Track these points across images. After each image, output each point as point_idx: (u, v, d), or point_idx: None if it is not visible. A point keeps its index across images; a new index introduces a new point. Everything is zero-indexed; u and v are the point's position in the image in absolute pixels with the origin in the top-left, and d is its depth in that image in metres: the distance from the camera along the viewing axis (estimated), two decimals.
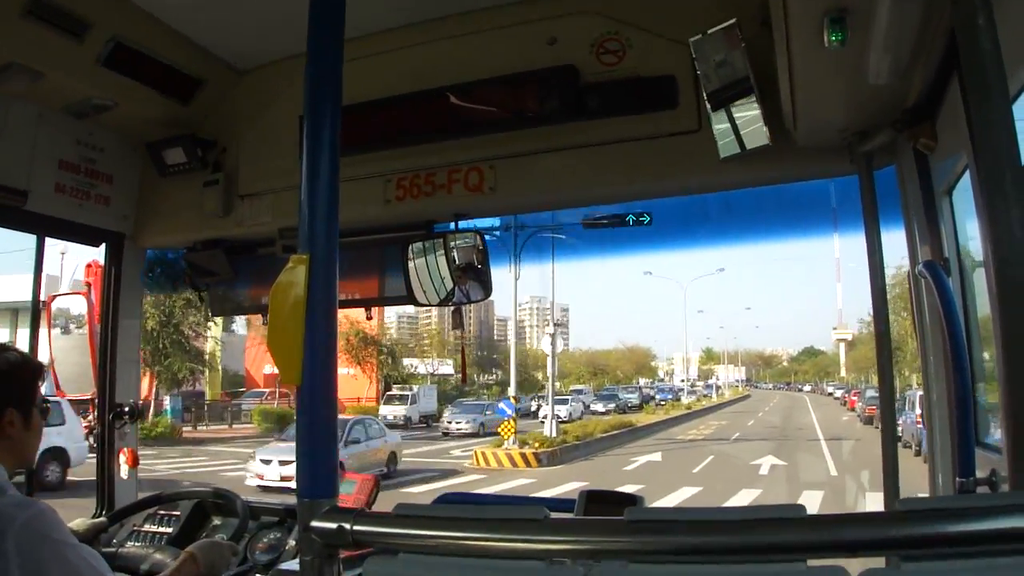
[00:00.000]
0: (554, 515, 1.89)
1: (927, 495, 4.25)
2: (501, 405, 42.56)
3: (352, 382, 68.51)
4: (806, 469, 34.16)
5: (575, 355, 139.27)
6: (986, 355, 3.95)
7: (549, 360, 48.81)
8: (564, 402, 66.45)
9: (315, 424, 2.22)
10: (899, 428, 34.91)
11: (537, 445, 38.13)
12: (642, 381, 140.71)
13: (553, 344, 46.77)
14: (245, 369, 76.13)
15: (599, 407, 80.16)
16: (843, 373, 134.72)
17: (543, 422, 49.61)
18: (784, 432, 54.82)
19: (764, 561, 1.69)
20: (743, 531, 1.67)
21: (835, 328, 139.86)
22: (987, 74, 1.90)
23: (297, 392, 2.21)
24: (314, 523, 2.03)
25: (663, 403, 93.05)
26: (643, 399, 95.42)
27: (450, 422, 55.74)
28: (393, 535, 1.99)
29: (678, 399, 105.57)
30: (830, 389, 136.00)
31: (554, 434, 41.88)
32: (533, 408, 68.61)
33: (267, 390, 66.99)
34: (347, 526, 1.98)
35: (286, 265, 2.23)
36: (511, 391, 44.17)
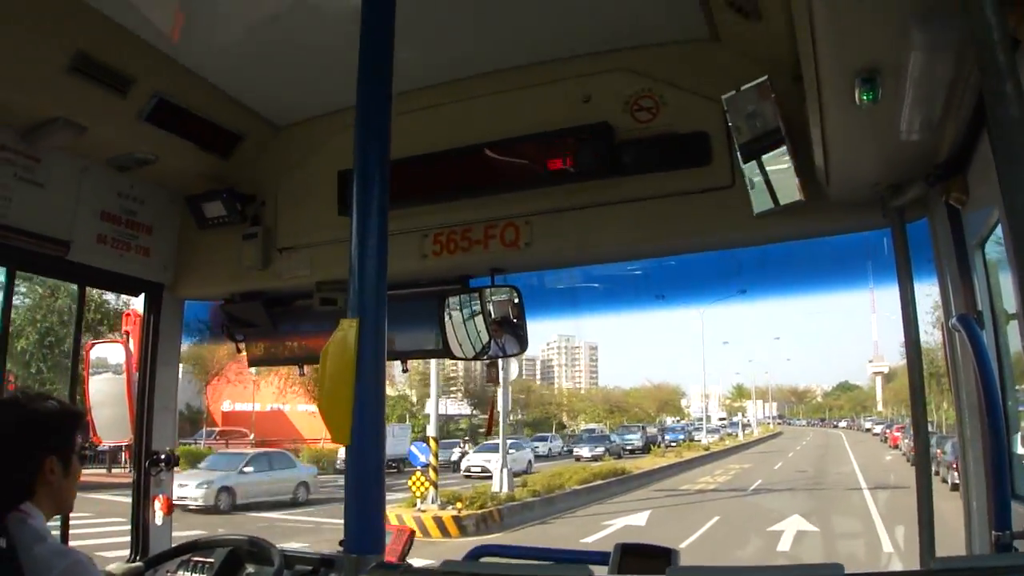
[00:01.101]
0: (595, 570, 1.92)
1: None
2: (413, 449, 31.36)
3: (311, 420, 64.82)
4: (847, 538, 24.91)
5: (592, 392, 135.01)
6: (1022, 408, 3.94)
7: (500, 393, 36.94)
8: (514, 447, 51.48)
9: (363, 481, 2.27)
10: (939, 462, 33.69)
11: (461, 505, 28.94)
12: (668, 420, 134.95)
13: (505, 370, 35.20)
14: (205, 406, 70.53)
15: (584, 451, 70.63)
16: (880, 408, 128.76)
17: (468, 475, 47.46)
18: (817, 478, 46.08)
19: None
20: None
21: (871, 361, 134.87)
22: (1016, 135, 1.91)
23: (347, 451, 2.26)
24: None
25: (673, 444, 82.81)
26: (648, 440, 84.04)
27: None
28: None
29: (692, 439, 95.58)
30: (868, 424, 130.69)
31: (505, 489, 33.44)
32: (454, 457, 56.52)
33: (217, 429, 65.31)
34: None
35: (336, 327, 2.29)
36: (430, 430, 32.96)
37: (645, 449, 76.81)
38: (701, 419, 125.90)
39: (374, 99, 2.49)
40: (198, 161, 5.25)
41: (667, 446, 79.85)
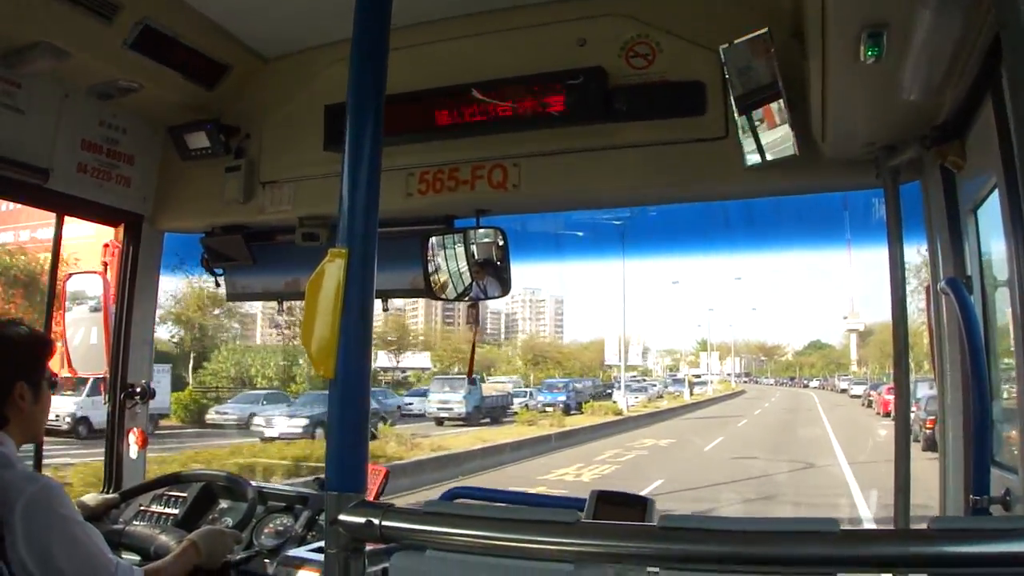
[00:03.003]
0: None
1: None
2: None
3: None
4: None
5: (536, 346, 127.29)
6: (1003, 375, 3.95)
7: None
8: None
9: (347, 418, 2.24)
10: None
11: None
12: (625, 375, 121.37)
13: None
14: None
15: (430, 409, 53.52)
16: (855, 367, 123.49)
17: None
18: (767, 478, 27.81)
19: (794, 574, 1.70)
20: (774, 543, 1.68)
21: (845, 317, 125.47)
22: None
23: (331, 385, 2.23)
24: (342, 516, 2.05)
25: (550, 408, 59.02)
26: (569, 400, 63.49)
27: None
28: (422, 532, 2.00)
29: (610, 398, 72.14)
30: (843, 384, 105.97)
31: None
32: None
33: None
34: (376, 521, 2.00)
35: (322, 257, 2.27)
36: None
37: (570, 411, 58.94)
38: (672, 374, 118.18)
39: (371, 29, 2.43)
40: (183, 91, 5.15)
41: (543, 409, 58.36)
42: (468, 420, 51.98)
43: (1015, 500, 3.25)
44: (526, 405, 59.74)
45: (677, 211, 5.66)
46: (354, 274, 2.20)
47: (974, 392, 3.39)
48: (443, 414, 53.44)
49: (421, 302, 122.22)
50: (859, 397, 77.43)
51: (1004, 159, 2.91)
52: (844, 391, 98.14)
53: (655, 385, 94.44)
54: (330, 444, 2.22)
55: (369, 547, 2.19)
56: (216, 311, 58.58)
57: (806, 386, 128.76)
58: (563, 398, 64.65)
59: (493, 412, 56.50)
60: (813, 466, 30.06)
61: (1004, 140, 2.88)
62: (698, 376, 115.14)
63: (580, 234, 6.75)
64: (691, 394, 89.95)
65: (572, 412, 59.23)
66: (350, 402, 2.24)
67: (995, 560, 1.54)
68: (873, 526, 20.55)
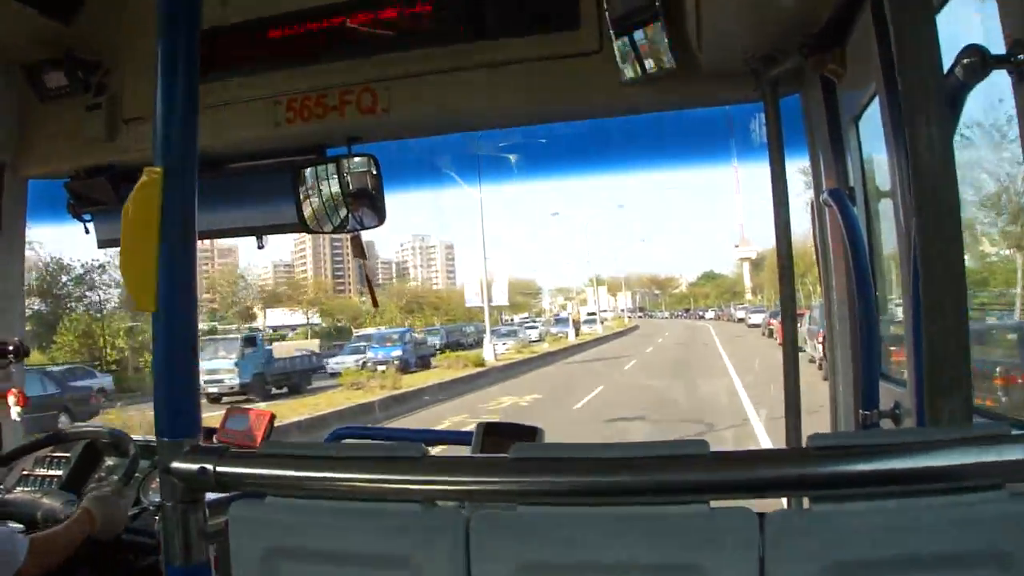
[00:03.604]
0: (445, 451, 1.78)
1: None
2: None
3: None
4: None
5: (409, 290, 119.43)
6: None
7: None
8: None
9: (174, 356, 2.09)
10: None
11: None
12: (516, 318, 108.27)
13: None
14: None
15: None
16: (749, 296, 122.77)
17: None
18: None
19: (664, 503, 1.60)
20: (640, 470, 1.57)
21: (737, 246, 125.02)
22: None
23: (153, 321, 2.08)
24: (174, 465, 1.90)
25: (381, 367, 44.62)
26: (405, 355, 52.50)
27: None
28: (261, 477, 1.88)
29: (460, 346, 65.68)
30: (740, 313, 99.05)
31: None
32: None
33: None
34: (210, 467, 1.86)
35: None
36: None
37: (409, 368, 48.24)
38: (562, 315, 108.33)
39: None
40: (36, 26, 4.82)
41: (372, 366, 47.11)
42: (248, 391, 39.21)
43: (904, 413, 3.26)
44: (363, 363, 49.06)
45: (561, 133, 5.61)
46: (173, 198, 2.03)
47: (860, 305, 3.40)
48: (212, 388, 38.28)
49: (308, 255, 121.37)
50: (758, 327, 69.29)
51: (883, 67, 2.88)
52: (741, 320, 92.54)
53: (535, 327, 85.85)
54: (158, 387, 2.07)
55: (212, 496, 2.06)
56: (64, 278, 55.51)
57: (701, 317, 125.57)
58: (398, 352, 52.25)
59: (288, 379, 43.17)
60: (714, 428, 21.89)
61: (883, 47, 2.84)
62: (591, 314, 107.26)
63: (454, 177, 6.69)
64: (577, 334, 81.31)
65: (413, 369, 48.39)
66: (175, 339, 2.09)
67: (870, 479, 1.47)
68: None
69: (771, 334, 53.63)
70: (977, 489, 1.45)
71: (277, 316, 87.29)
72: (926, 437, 1.54)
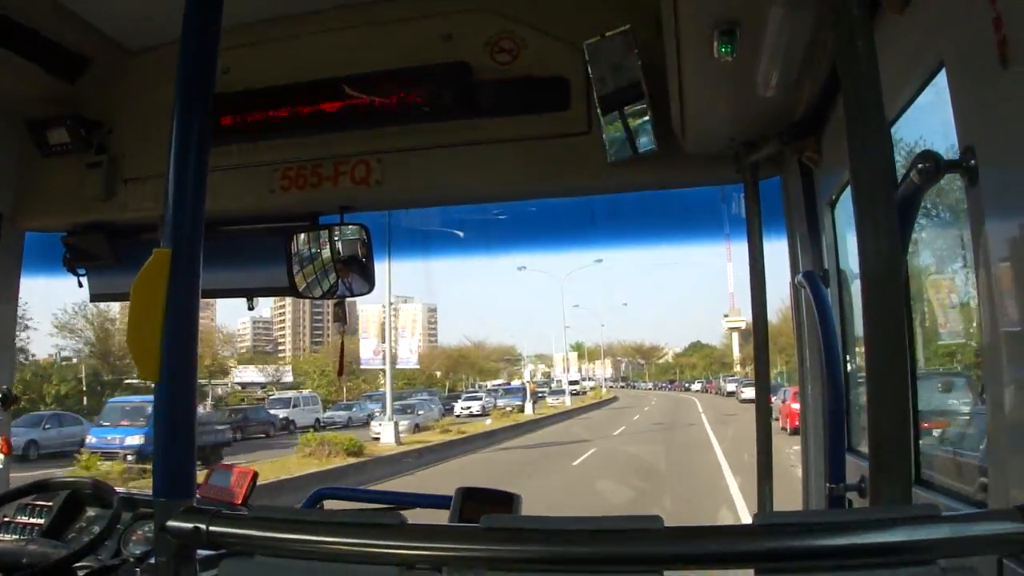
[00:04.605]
0: (419, 520, 1.87)
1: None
2: None
3: None
4: None
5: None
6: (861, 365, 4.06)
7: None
8: None
9: (173, 422, 2.17)
10: None
11: None
12: (489, 383, 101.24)
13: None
14: None
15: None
16: (737, 367, 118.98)
17: None
18: None
19: (620, 572, 1.69)
20: (599, 542, 1.67)
21: (726, 315, 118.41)
22: (865, 96, 1.94)
23: (155, 390, 2.16)
24: (170, 523, 1.99)
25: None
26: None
27: None
28: (248, 537, 1.95)
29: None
30: (731, 386, 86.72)
31: None
32: None
33: None
34: (203, 527, 1.93)
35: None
36: None
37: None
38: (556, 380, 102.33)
39: (200, 21, 2.44)
40: (43, 84, 4.95)
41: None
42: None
43: (870, 487, 3.33)
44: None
45: (552, 206, 5.69)
46: (178, 276, 2.14)
47: (828, 382, 3.48)
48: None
49: (288, 314, 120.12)
50: (752, 402, 43.64)
51: (851, 149, 3.01)
52: (732, 394, 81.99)
53: (477, 397, 72.57)
54: (157, 449, 2.16)
55: (204, 553, 2.14)
56: None
57: (687, 389, 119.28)
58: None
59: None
60: None
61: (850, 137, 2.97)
62: (573, 382, 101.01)
63: (461, 234, 6.76)
64: (534, 408, 68.16)
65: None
66: (176, 406, 2.18)
67: (817, 553, 1.56)
68: None
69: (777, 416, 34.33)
70: (910, 564, 1.55)
71: (249, 373, 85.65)
72: (864, 516, 1.65)
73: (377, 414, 50.38)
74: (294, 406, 58.05)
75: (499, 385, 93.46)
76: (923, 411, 3.48)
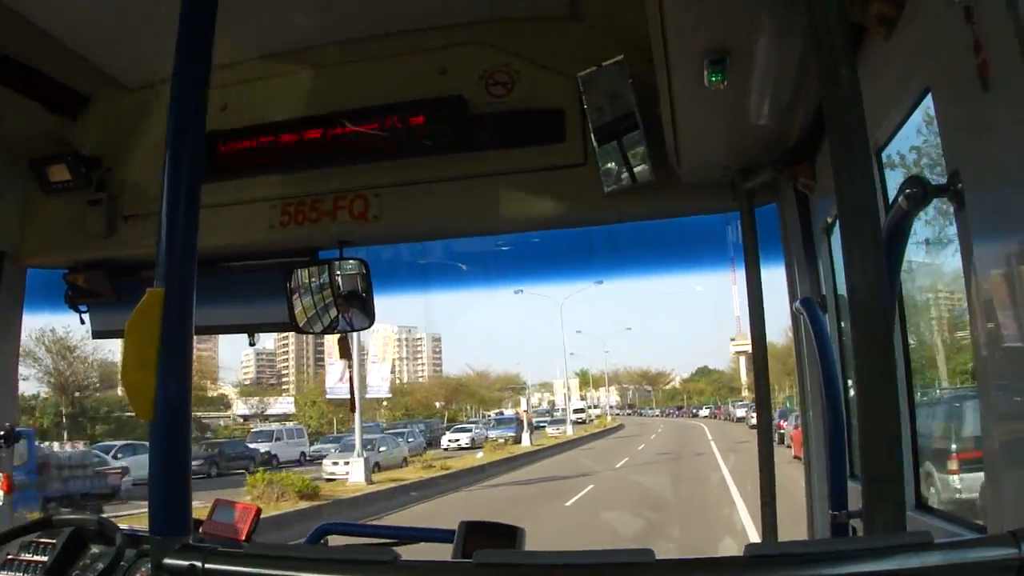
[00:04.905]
0: (422, 555, 1.86)
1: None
2: None
3: None
4: None
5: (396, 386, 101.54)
6: None
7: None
8: None
9: (168, 460, 2.17)
10: None
11: None
12: (491, 413, 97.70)
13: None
14: None
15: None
16: (745, 392, 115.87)
17: None
18: None
19: None
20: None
21: (733, 339, 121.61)
22: (850, 123, 1.94)
23: (151, 428, 2.15)
24: (166, 561, 1.98)
25: None
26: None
27: None
28: (245, 574, 1.95)
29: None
30: (740, 412, 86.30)
31: None
32: None
33: None
34: (198, 564, 1.93)
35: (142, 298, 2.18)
36: None
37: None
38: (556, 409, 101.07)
39: (190, 62, 2.44)
40: (43, 122, 5.01)
41: None
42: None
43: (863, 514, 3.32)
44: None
45: (549, 238, 5.70)
46: (172, 314, 2.14)
47: (828, 408, 3.47)
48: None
49: (292, 345, 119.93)
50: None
51: (836, 174, 3.02)
52: (741, 420, 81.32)
53: (466, 429, 68.15)
54: (152, 487, 2.15)
55: None
56: None
57: (695, 415, 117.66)
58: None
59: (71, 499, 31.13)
60: None
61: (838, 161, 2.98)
62: (578, 410, 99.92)
63: (464, 266, 6.76)
64: (531, 439, 62.85)
65: None
66: (170, 444, 2.18)
67: None
68: None
69: (781, 439, 38.15)
70: None
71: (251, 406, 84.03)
72: (856, 545, 1.65)
73: (333, 451, 46.21)
74: (277, 439, 56.05)
75: (499, 415, 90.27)
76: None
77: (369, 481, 35.29)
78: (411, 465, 44.48)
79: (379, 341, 76.21)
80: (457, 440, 62.04)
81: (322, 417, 76.62)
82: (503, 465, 43.82)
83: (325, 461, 42.10)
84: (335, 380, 63.44)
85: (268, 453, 51.24)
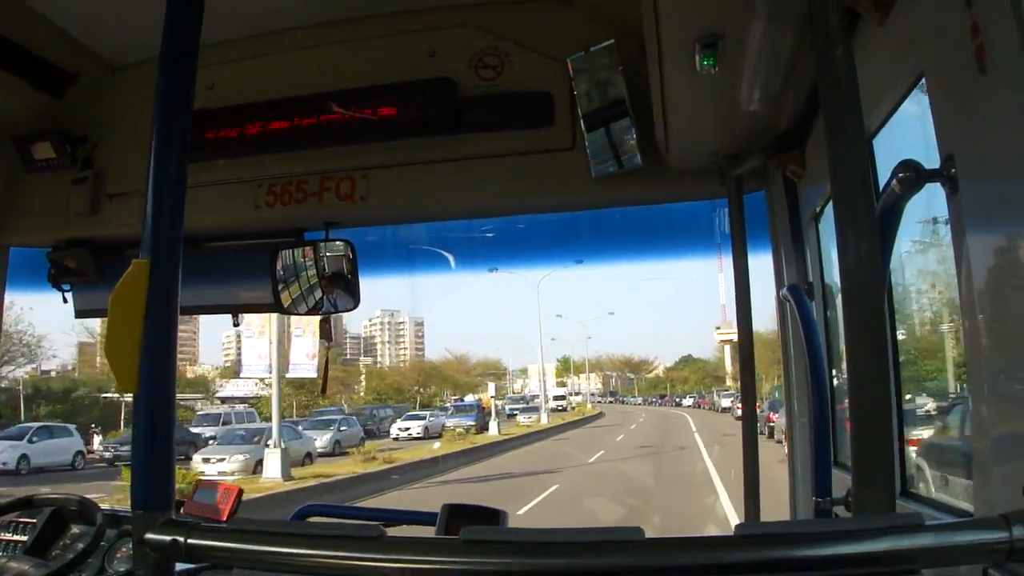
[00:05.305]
0: (405, 532, 1.85)
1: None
2: None
3: None
4: None
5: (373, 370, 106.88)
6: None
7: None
8: None
9: (152, 434, 2.15)
10: None
11: None
12: (469, 398, 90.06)
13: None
14: None
15: None
16: (729, 381, 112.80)
17: None
18: None
19: None
20: (580, 554, 1.65)
21: (718, 328, 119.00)
22: (845, 106, 1.93)
23: (134, 401, 2.14)
24: (148, 536, 1.96)
25: None
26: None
27: None
28: (227, 550, 1.93)
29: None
30: (726, 402, 78.95)
31: None
32: None
33: None
34: (181, 539, 1.91)
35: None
36: None
37: None
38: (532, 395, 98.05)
39: (179, 38, 2.43)
40: (28, 99, 4.96)
41: None
42: None
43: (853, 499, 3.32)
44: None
45: (533, 226, 5.69)
46: (157, 287, 2.12)
47: (813, 395, 3.47)
48: None
49: (274, 329, 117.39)
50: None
51: (831, 160, 3.02)
52: (726, 410, 74.53)
53: (420, 417, 62.52)
54: (135, 461, 2.13)
55: (182, 567, 2.12)
56: None
57: (678, 404, 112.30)
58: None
59: None
60: None
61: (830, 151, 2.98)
62: (558, 398, 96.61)
63: (448, 255, 6.74)
64: (499, 427, 57.16)
65: None
66: (154, 417, 2.16)
67: (795, 565, 1.55)
68: None
69: (771, 433, 35.42)
70: (893, 574, 1.55)
71: (232, 387, 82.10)
72: (847, 526, 1.64)
73: (212, 443, 41.44)
74: (224, 423, 51.86)
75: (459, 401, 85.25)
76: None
77: (287, 477, 31.00)
78: (350, 457, 40.39)
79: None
80: (408, 429, 57.13)
81: (282, 400, 72.14)
82: (461, 458, 39.73)
83: (195, 457, 36.12)
84: (254, 358, 55.30)
85: (213, 438, 45.18)
